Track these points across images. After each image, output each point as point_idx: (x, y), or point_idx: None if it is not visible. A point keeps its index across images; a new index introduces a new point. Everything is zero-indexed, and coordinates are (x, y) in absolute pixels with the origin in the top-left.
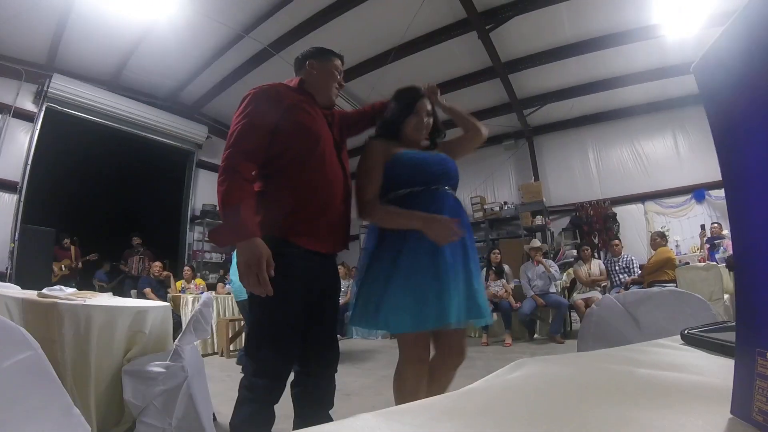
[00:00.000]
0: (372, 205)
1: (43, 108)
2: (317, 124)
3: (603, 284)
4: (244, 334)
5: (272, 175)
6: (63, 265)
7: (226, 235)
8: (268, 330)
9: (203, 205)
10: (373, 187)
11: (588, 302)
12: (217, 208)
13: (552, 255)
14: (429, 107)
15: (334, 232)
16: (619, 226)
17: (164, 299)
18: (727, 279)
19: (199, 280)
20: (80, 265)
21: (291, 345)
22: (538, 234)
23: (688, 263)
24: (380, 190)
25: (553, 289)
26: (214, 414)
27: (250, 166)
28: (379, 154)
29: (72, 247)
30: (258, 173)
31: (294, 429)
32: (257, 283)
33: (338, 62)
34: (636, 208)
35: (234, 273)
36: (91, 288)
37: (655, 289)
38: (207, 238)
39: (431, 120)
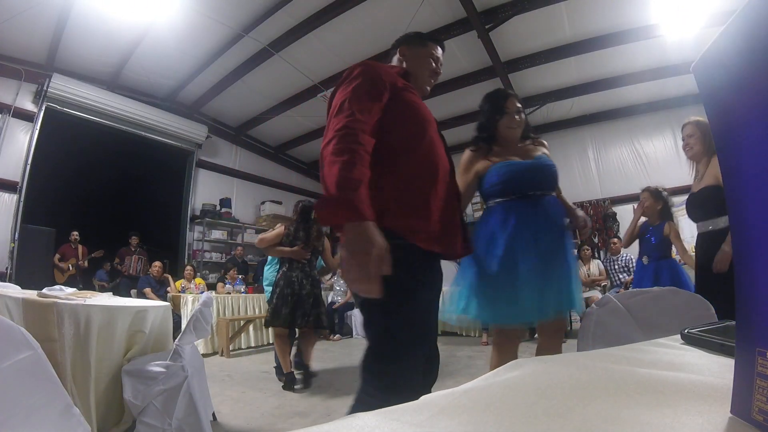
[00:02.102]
0: None
1: (43, 108)
2: (425, 109)
3: (603, 283)
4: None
5: (379, 158)
6: (70, 264)
7: (336, 210)
8: (405, 341)
9: (203, 204)
10: (461, 192)
11: (588, 302)
12: (325, 179)
13: None
14: (518, 104)
15: (450, 231)
16: (619, 225)
17: (164, 299)
18: None
19: (198, 280)
20: (86, 264)
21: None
22: None
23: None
24: (483, 198)
25: None
26: (213, 414)
27: (370, 139)
28: (468, 164)
29: (79, 246)
30: None
31: None
32: (364, 277)
33: (434, 48)
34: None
35: (268, 273)
36: (93, 288)
37: (655, 288)
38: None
39: (523, 116)
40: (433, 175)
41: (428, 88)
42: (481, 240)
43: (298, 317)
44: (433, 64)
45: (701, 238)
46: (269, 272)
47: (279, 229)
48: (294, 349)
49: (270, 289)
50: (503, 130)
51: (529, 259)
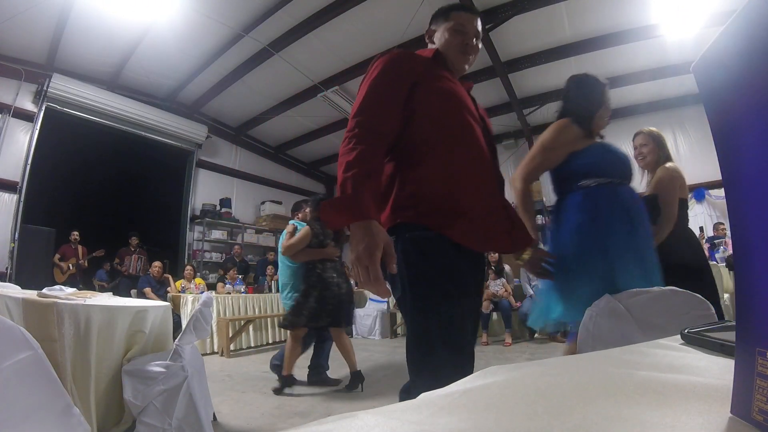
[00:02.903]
0: (522, 189)
1: (43, 108)
2: (458, 91)
3: None
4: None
5: (407, 151)
6: (70, 264)
7: (340, 211)
8: (443, 338)
9: (203, 204)
10: (537, 164)
11: None
12: (337, 182)
13: None
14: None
15: (489, 225)
16: None
17: (164, 299)
18: (727, 279)
19: (198, 280)
20: (86, 263)
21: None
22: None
23: None
24: (567, 176)
25: None
26: (214, 414)
27: (384, 139)
28: (571, 138)
29: (79, 246)
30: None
31: None
32: (367, 278)
33: (459, 18)
34: None
35: (283, 279)
36: (93, 288)
37: (655, 288)
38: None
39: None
40: (468, 165)
41: (465, 66)
42: (591, 221)
43: (341, 318)
44: (460, 37)
45: None
46: (288, 276)
47: (303, 230)
48: (311, 361)
49: (291, 294)
50: (599, 121)
51: (647, 242)
